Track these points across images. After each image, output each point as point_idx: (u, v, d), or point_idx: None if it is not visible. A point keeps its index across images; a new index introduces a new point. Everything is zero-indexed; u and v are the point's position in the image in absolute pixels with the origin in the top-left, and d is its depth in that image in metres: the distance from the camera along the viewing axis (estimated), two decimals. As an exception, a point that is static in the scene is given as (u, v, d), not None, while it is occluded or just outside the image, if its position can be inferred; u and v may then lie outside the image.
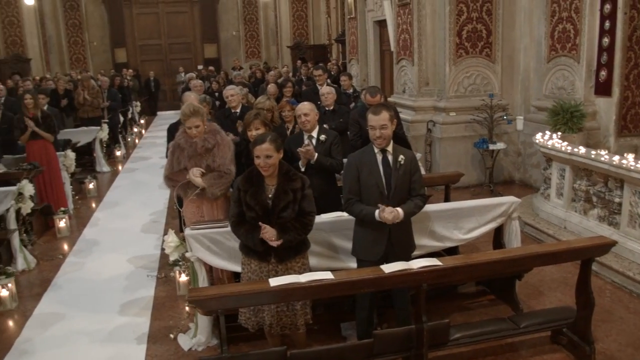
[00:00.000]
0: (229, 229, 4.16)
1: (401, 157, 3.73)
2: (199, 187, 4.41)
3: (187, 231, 4.22)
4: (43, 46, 19.48)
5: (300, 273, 3.55)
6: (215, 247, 4.18)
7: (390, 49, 10.55)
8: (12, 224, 6.02)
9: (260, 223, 3.47)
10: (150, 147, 13.46)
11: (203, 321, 4.31)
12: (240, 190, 3.60)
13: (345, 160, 4.48)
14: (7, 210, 6.00)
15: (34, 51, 18.71)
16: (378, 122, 3.64)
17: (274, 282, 3.38)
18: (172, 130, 5.47)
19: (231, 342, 3.92)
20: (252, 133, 4.48)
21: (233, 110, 6.40)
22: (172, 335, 4.51)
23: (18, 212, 6.13)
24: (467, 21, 8.40)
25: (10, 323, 4.91)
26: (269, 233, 3.46)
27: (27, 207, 6.16)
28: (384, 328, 4.31)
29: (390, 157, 3.74)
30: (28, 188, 6.13)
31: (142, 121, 16.79)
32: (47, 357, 4.31)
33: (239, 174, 4.55)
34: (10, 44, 18.32)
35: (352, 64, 13.52)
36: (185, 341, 4.40)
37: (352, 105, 8.14)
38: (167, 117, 18.89)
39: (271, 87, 8.40)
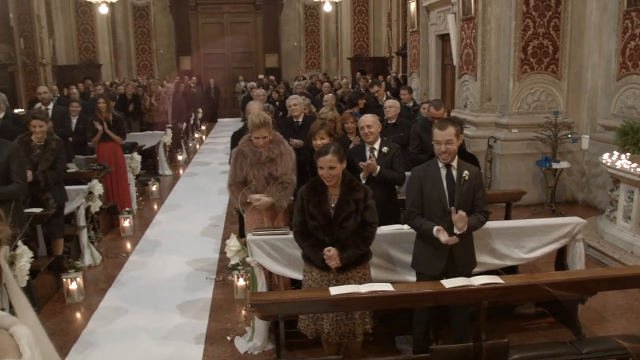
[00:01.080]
0: (289, 236, 4.26)
1: (465, 173, 3.71)
2: (268, 204, 4.53)
3: (249, 236, 4.31)
4: (113, 53, 20.34)
5: (360, 283, 3.58)
6: (275, 254, 4.26)
7: (452, 63, 10.48)
8: (82, 221, 6.31)
9: (326, 250, 3.52)
10: (211, 152, 13.80)
11: (260, 325, 4.38)
12: (303, 199, 3.66)
13: (407, 173, 4.50)
14: (78, 207, 6.29)
15: (105, 57, 19.56)
16: (444, 137, 3.63)
17: (335, 290, 3.41)
18: (236, 138, 5.60)
19: (286, 348, 3.97)
20: (317, 142, 4.55)
21: (295, 120, 6.51)
22: (229, 338, 4.60)
23: (87, 210, 6.42)
24: (533, 37, 8.25)
25: (78, 315, 5.14)
26: (331, 259, 3.51)
27: (96, 205, 6.44)
28: (439, 344, 4.26)
29: (454, 173, 3.72)
30: (98, 187, 6.41)
31: (203, 127, 17.23)
32: (110, 350, 4.49)
33: (303, 182, 4.66)
34: (83, 50, 19.22)
35: (413, 78, 13.47)
36: (241, 344, 4.49)
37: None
38: (227, 125, 19.35)
39: (329, 97, 8.46)
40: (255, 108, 5.58)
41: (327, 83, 12.94)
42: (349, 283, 3.56)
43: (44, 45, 16.73)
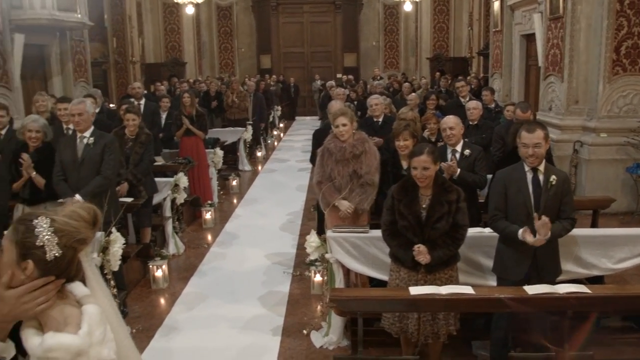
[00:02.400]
0: (369, 234, 4.30)
1: (553, 178, 3.61)
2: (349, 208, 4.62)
3: (329, 233, 4.38)
4: (197, 51, 21.04)
5: (447, 285, 3.56)
6: (354, 251, 4.30)
7: (537, 64, 10.14)
8: (168, 212, 6.61)
9: (417, 246, 3.54)
10: (289, 150, 14.05)
11: (336, 321, 4.44)
12: (394, 198, 3.68)
13: (489, 176, 4.43)
14: (164, 199, 6.59)
15: (189, 56, 20.27)
16: (532, 140, 3.55)
17: (414, 290, 3.41)
18: (318, 136, 5.70)
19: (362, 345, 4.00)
20: (401, 143, 4.56)
21: (375, 120, 6.52)
22: (305, 332, 4.69)
23: (173, 201, 6.71)
24: (626, 36, 7.85)
25: (162, 300, 5.40)
26: (420, 255, 3.52)
27: (181, 197, 6.74)
28: (518, 352, 4.16)
29: (541, 177, 3.63)
30: (183, 180, 6.70)
31: (281, 125, 17.54)
32: (192, 335, 4.68)
33: (384, 182, 4.69)
34: (170, 48, 20.01)
35: (495, 78, 13.14)
36: (317, 338, 4.56)
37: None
38: (305, 123, 19.60)
39: (412, 96, 8.41)
40: (337, 106, 5.64)
41: (407, 83, 12.84)
42: (436, 284, 3.55)
43: (134, 44, 17.54)
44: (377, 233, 4.27)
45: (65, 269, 1.66)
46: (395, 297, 3.45)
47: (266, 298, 5.38)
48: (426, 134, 6.08)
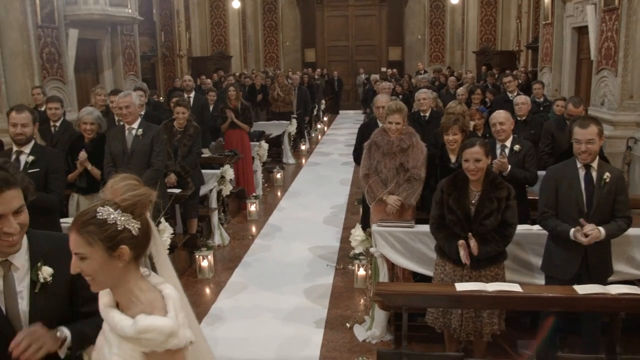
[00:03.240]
0: (415, 229, 4.28)
1: (607, 175, 3.51)
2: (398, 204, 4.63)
3: (374, 227, 4.38)
4: (243, 45, 21.24)
5: (492, 282, 3.52)
6: (399, 246, 4.29)
7: (589, 58, 9.84)
8: (214, 203, 6.73)
9: (460, 242, 3.52)
10: (332, 143, 14.06)
11: (380, 315, 4.44)
12: (443, 192, 3.66)
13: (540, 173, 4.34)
14: (211, 190, 6.70)
15: (235, 49, 20.47)
16: (585, 135, 3.46)
17: (460, 287, 3.38)
18: (363, 131, 5.69)
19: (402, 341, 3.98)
20: (450, 137, 4.52)
21: (422, 114, 6.46)
22: (348, 325, 4.71)
23: (219, 193, 6.83)
24: (686, 29, 7.54)
25: (207, 290, 5.51)
26: (463, 252, 3.50)
27: (227, 189, 6.85)
28: (565, 352, 4.08)
29: (594, 174, 3.53)
30: (229, 172, 6.81)
31: (325, 119, 17.56)
32: (237, 325, 4.77)
33: (431, 176, 4.66)
34: (216, 42, 20.27)
35: (544, 73, 12.81)
36: (360, 332, 4.58)
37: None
38: (348, 117, 19.56)
39: (461, 91, 8.30)
40: (384, 101, 5.62)
41: (452, 77, 12.65)
42: (481, 281, 3.51)
43: (181, 38, 17.84)
44: (423, 228, 4.26)
45: (149, 235, 1.76)
46: (440, 292, 3.43)
47: (309, 290, 5.42)
48: (472, 128, 5.99)
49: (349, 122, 18.05)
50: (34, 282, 1.94)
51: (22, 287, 1.95)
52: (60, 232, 2.06)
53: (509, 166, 4.50)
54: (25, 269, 1.95)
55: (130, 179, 1.75)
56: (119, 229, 1.65)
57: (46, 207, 3.92)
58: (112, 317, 1.69)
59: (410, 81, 14.43)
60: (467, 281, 3.52)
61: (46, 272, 1.96)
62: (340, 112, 21.13)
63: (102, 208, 1.67)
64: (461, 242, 3.51)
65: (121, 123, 6.05)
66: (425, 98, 6.44)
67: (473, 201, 3.57)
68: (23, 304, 1.95)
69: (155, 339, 1.63)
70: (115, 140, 5.07)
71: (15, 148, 4.08)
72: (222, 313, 4.98)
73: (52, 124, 6.08)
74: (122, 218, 1.67)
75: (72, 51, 9.51)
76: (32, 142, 4.10)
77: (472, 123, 5.88)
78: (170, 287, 1.79)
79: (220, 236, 6.65)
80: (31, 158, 4.02)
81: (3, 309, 1.93)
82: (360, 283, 5.41)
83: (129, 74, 11.78)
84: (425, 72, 18.00)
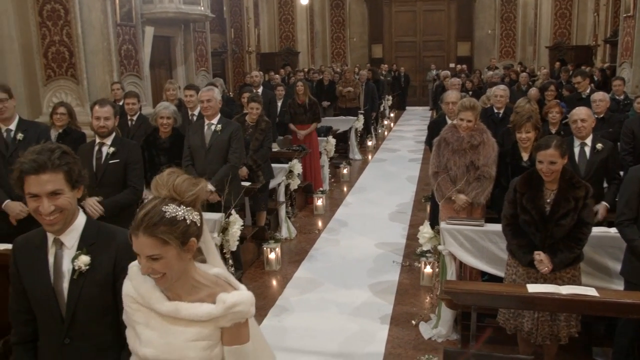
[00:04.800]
0: (484, 228, 4.20)
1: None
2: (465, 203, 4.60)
3: (443, 225, 4.33)
4: (310, 41, 21.41)
5: (568, 284, 3.41)
6: (468, 245, 4.22)
7: (674, 53, 9.32)
8: (282, 197, 6.84)
9: (536, 253, 3.45)
10: (399, 140, 13.97)
11: (446, 314, 4.39)
12: (516, 191, 3.57)
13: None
14: (279, 184, 6.81)
15: (303, 45, 20.67)
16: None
17: (533, 288, 3.29)
18: (433, 128, 5.63)
19: (469, 340, 3.91)
20: (522, 135, 4.40)
21: (496, 111, 6.31)
22: (413, 322, 4.68)
23: (287, 187, 6.93)
24: None
25: (274, 282, 5.61)
26: (541, 265, 3.42)
27: (295, 183, 6.94)
28: (643, 361, 3.91)
29: (682, 176, 3.36)
30: (297, 167, 6.90)
31: (391, 115, 17.46)
32: (303, 317, 4.83)
33: (502, 175, 4.57)
34: (284, 38, 20.53)
35: (624, 68, 12.20)
36: (425, 330, 4.54)
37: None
38: (415, 113, 19.37)
39: (533, 91, 8.06)
40: (454, 97, 5.54)
41: (524, 73, 12.28)
42: (557, 284, 3.41)
43: (250, 35, 18.17)
44: (493, 227, 4.18)
45: (203, 223, 1.83)
46: (512, 293, 3.35)
47: (375, 286, 5.42)
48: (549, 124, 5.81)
49: (416, 118, 17.87)
50: (74, 268, 2.04)
51: (67, 268, 2.06)
52: (113, 226, 2.14)
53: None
54: (73, 252, 2.06)
55: (180, 173, 1.79)
56: (187, 223, 1.72)
57: (128, 204, 4.12)
58: (186, 309, 1.76)
59: (480, 77, 14.11)
60: (541, 283, 3.42)
61: (83, 261, 2.03)
62: (407, 108, 20.94)
63: (166, 207, 1.71)
64: (538, 253, 3.42)
65: (194, 118, 6.30)
66: (502, 95, 6.29)
67: (548, 200, 3.46)
68: (65, 283, 2.06)
69: (242, 311, 1.74)
70: (194, 135, 5.22)
71: (97, 140, 4.28)
72: (289, 305, 5.06)
73: (129, 118, 6.35)
74: (188, 213, 1.73)
75: (147, 48, 9.91)
76: (114, 135, 4.29)
77: (550, 116, 5.71)
78: (218, 269, 1.89)
79: (287, 229, 6.75)
80: (112, 149, 4.21)
81: (52, 282, 2.06)
82: (427, 281, 5.36)
83: (200, 69, 12.13)
84: (496, 68, 17.54)
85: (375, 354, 4.26)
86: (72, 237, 2.06)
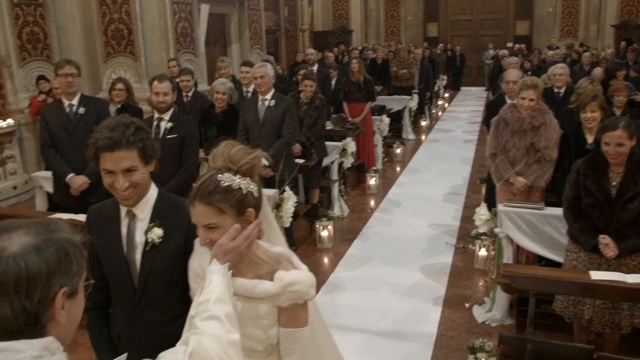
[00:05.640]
0: (544, 212, 4.08)
1: None
2: (524, 186, 4.48)
3: (500, 207, 4.23)
4: (364, 19, 21.13)
5: (634, 272, 3.28)
6: (526, 228, 4.12)
7: None
8: (335, 175, 6.83)
9: (602, 237, 3.32)
10: (453, 120, 13.69)
11: (501, 298, 4.31)
12: (580, 173, 3.44)
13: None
14: (332, 162, 6.80)
15: (356, 24, 20.42)
16: None
17: (596, 275, 3.18)
18: (492, 107, 5.48)
19: (524, 326, 3.83)
20: (587, 115, 4.23)
21: (556, 91, 6.09)
22: (467, 305, 4.62)
23: (340, 165, 6.91)
24: None
25: (326, 260, 5.64)
26: (607, 249, 3.29)
27: (348, 162, 6.91)
28: None
29: None
30: (351, 145, 6.86)
31: (446, 95, 17.12)
32: (354, 295, 4.84)
33: (564, 157, 4.41)
34: (337, 17, 20.32)
35: (697, 48, 11.57)
36: (479, 313, 4.47)
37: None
38: (470, 93, 18.92)
39: (597, 71, 7.71)
40: (515, 76, 5.37)
41: (587, 53, 11.76)
42: (621, 270, 3.28)
43: (304, 13, 18.07)
44: (553, 211, 4.06)
45: (262, 196, 1.81)
46: (573, 279, 3.25)
47: (428, 267, 5.37)
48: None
49: (471, 99, 17.46)
50: (147, 240, 2.08)
51: (140, 240, 2.10)
52: (185, 200, 2.16)
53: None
54: (145, 224, 2.09)
55: (236, 144, 1.77)
56: (244, 192, 1.70)
57: (184, 185, 4.19)
58: (244, 285, 1.75)
59: (540, 57, 13.63)
60: (604, 270, 3.30)
61: (156, 233, 2.06)
62: (462, 88, 20.45)
63: (222, 176, 1.70)
64: (604, 237, 3.29)
65: (249, 94, 6.33)
66: (561, 74, 6.05)
67: (614, 183, 3.32)
68: (138, 255, 2.10)
69: (300, 291, 1.72)
70: (248, 111, 5.27)
71: (156, 115, 4.36)
72: (341, 282, 5.08)
73: (184, 94, 6.44)
74: (244, 182, 1.71)
75: (203, 25, 9.99)
76: (172, 110, 4.36)
77: (616, 99, 5.47)
78: (282, 248, 1.88)
79: (339, 208, 6.75)
80: (170, 125, 4.28)
81: (125, 252, 2.11)
82: (481, 263, 5.27)
83: (254, 47, 12.18)
84: (557, 47, 16.90)
85: (428, 334, 4.23)
86: (144, 209, 2.10)
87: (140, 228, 2.10)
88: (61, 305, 1.13)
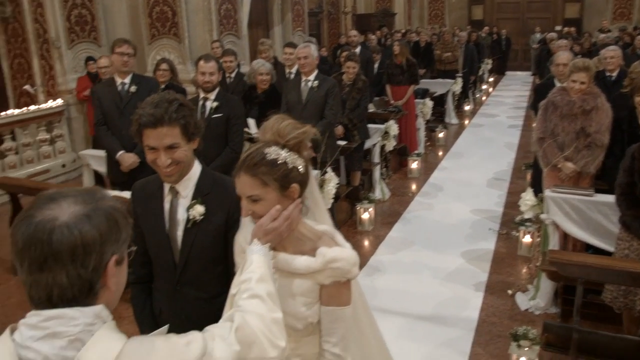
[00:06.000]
0: (593, 198, 3.96)
1: None
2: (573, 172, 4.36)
3: (548, 193, 4.12)
4: (407, 2, 20.78)
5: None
6: (575, 215, 4.00)
7: None
8: (376, 158, 6.79)
9: None
10: (498, 105, 13.37)
11: (546, 286, 4.22)
12: (635, 159, 3.31)
13: None
14: (374, 145, 6.75)
15: (399, 6, 20.10)
16: None
17: (650, 264, 3.08)
18: (540, 91, 5.33)
19: (569, 315, 3.74)
20: (640, 100, 4.06)
21: (608, 74, 5.86)
22: (509, 292, 4.54)
23: (382, 148, 6.86)
24: None
25: (367, 242, 5.62)
26: None
27: (390, 145, 6.85)
28: None
29: None
30: (393, 128, 6.79)
31: (490, 79, 16.74)
32: (395, 278, 4.81)
33: (616, 144, 4.25)
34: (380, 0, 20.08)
35: None
36: (522, 300, 4.39)
37: None
38: (516, 78, 18.44)
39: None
40: (565, 58, 5.20)
41: (640, 36, 11.31)
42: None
43: (346, -5, 17.94)
44: (603, 198, 3.94)
45: (309, 174, 1.79)
46: (625, 268, 3.14)
47: (469, 253, 5.30)
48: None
49: (516, 83, 17.02)
50: (188, 217, 2.08)
51: (182, 217, 2.10)
52: (228, 178, 2.15)
53: None
54: (187, 201, 2.10)
55: (287, 118, 1.75)
56: (289, 167, 1.68)
57: (229, 164, 4.21)
58: (286, 259, 1.74)
59: (590, 40, 13.17)
60: (660, 259, 3.19)
61: (197, 210, 2.07)
62: (507, 73, 19.95)
63: (269, 149, 1.69)
64: None
65: (291, 75, 6.32)
66: (613, 56, 5.82)
67: None
68: (179, 231, 2.11)
69: (342, 268, 1.70)
70: (291, 91, 5.27)
71: (202, 95, 4.39)
72: (381, 265, 5.06)
73: (227, 75, 6.47)
74: (290, 157, 1.69)
75: (246, 7, 10.00)
76: (217, 90, 4.38)
77: None
78: (326, 226, 1.85)
79: (381, 191, 6.71)
80: (215, 104, 4.30)
81: (167, 229, 2.12)
82: (525, 250, 5.17)
83: (296, 29, 12.14)
84: (609, 31, 16.28)
85: (469, 320, 4.18)
86: (187, 186, 2.10)
87: (183, 205, 2.11)
88: (113, 272, 1.15)
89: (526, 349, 3.40)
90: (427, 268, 4.99)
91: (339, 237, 1.81)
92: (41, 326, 1.08)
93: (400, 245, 5.49)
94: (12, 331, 1.12)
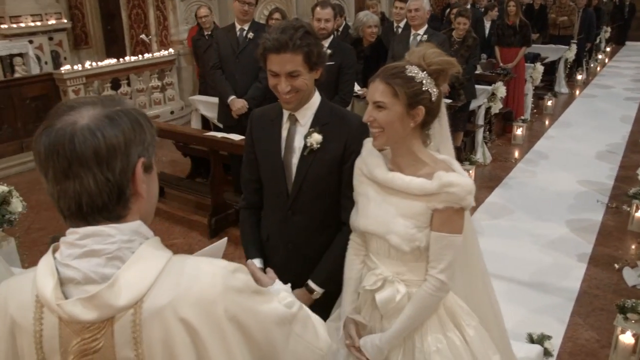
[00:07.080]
0: None
1: None
2: None
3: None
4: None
5: None
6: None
7: None
8: (481, 120, 6.59)
9: None
10: (615, 76, 12.41)
11: (658, 262, 3.98)
12: None
13: None
14: (479, 107, 6.54)
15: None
16: None
17: None
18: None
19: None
20: None
21: None
22: (616, 266, 4.33)
23: (487, 111, 6.63)
24: None
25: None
26: None
27: (496, 107, 6.61)
28: None
29: None
30: (501, 90, 6.53)
31: (608, 49, 15.56)
32: (493, 242, 4.69)
33: None
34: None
35: None
36: (630, 276, 4.17)
37: None
38: (636, 49, 17.01)
39: None
40: None
41: None
42: None
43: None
44: None
45: (439, 107, 1.82)
46: None
47: (574, 223, 5.08)
48: None
49: (637, 55, 15.73)
50: (305, 145, 2.09)
51: (299, 144, 2.12)
52: (346, 110, 2.15)
53: None
54: (305, 129, 2.11)
55: (435, 47, 1.80)
56: (423, 89, 1.73)
57: None
58: (401, 178, 1.77)
59: None
60: None
61: (315, 138, 2.07)
62: (627, 43, 18.41)
63: (410, 67, 1.74)
64: None
65: (400, 30, 6.21)
66: None
67: None
68: (295, 159, 2.13)
69: (457, 194, 1.70)
70: (399, 44, 5.19)
71: (314, 43, 4.41)
72: (480, 228, 4.95)
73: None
74: (427, 80, 1.74)
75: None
76: (332, 37, 4.38)
77: None
78: (447, 156, 1.86)
79: (482, 154, 6.53)
80: (329, 52, 4.29)
81: (282, 155, 2.14)
82: (636, 225, 4.89)
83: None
84: None
85: (569, 290, 4.04)
86: (306, 114, 2.12)
87: (300, 133, 2.12)
88: (141, 176, 1.09)
89: (633, 321, 3.24)
90: (527, 234, 4.85)
91: (457, 165, 1.82)
92: (78, 244, 1.05)
93: (500, 210, 5.35)
94: (55, 251, 1.09)
